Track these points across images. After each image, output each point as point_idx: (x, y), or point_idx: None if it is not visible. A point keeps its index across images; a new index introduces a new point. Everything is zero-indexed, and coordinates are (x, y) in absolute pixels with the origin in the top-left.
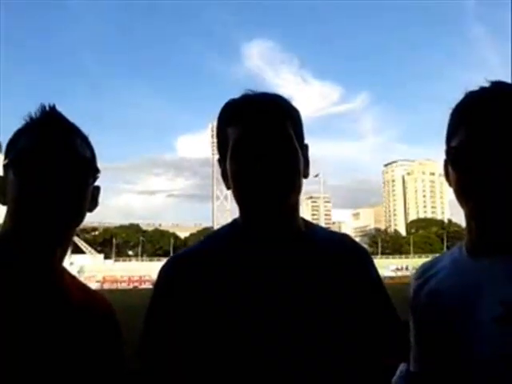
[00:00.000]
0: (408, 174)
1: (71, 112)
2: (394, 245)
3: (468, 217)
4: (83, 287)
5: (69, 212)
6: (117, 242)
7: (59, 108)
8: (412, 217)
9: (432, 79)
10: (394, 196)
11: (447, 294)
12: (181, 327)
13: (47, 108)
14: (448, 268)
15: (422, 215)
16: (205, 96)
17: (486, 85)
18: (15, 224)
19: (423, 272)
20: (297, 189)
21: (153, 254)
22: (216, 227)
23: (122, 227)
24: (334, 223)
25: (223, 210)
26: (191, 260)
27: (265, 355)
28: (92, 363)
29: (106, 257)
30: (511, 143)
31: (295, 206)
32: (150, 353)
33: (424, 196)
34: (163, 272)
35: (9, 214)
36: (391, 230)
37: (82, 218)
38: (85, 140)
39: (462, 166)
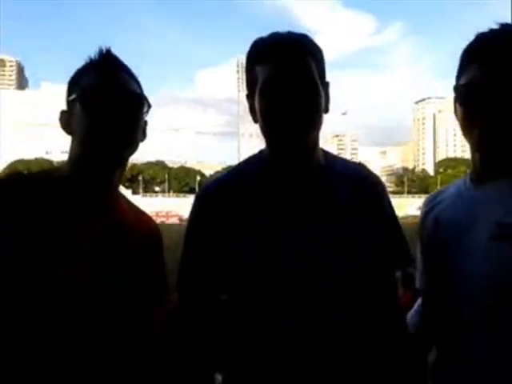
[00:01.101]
0: (439, 111)
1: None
2: (420, 184)
3: (472, 150)
4: (135, 208)
5: (125, 141)
6: (144, 179)
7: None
8: (441, 156)
9: (472, 10)
10: (423, 134)
11: (449, 220)
12: (215, 253)
13: (104, 51)
14: (452, 197)
15: (451, 155)
16: (229, 30)
17: (496, 27)
18: (82, 150)
19: (430, 201)
20: (317, 125)
21: (179, 191)
22: None
23: (148, 164)
24: (360, 162)
25: (248, 147)
26: (224, 189)
27: (285, 279)
28: (140, 272)
29: (134, 192)
30: None
31: (315, 141)
32: (189, 279)
33: (455, 135)
34: (197, 199)
35: (75, 142)
36: (419, 169)
37: (135, 147)
38: (135, 79)
39: (468, 102)
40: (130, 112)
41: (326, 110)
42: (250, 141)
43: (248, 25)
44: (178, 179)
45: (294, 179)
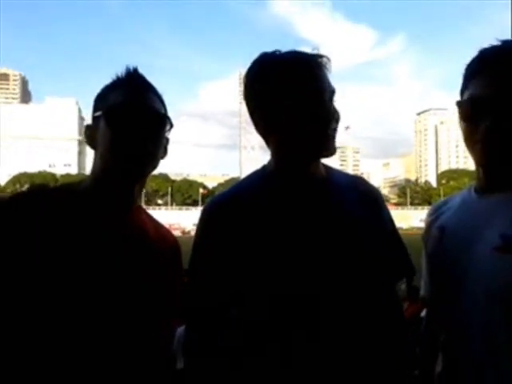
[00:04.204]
0: (441, 122)
1: (96, 57)
2: (423, 196)
3: (476, 163)
4: (154, 221)
5: (147, 160)
6: (146, 191)
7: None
8: (443, 167)
9: (473, 22)
10: (425, 146)
11: (453, 229)
12: (224, 266)
13: (131, 70)
14: (457, 206)
15: (453, 166)
16: (231, 43)
17: (498, 43)
18: (104, 165)
19: (435, 210)
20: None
21: (182, 203)
22: (243, 177)
23: (151, 176)
24: (362, 173)
25: (250, 159)
26: (231, 202)
27: (297, 283)
28: (161, 283)
29: None
30: None
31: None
32: (198, 289)
33: (457, 146)
34: (206, 213)
35: (99, 156)
36: (421, 180)
37: (157, 164)
38: (160, 98)
39: (470, 118)
40: (153, 131)
41: (337, 119)
42: (252, 153)
43: (249, 38)
44: (181, 192)
45: (299, 192)
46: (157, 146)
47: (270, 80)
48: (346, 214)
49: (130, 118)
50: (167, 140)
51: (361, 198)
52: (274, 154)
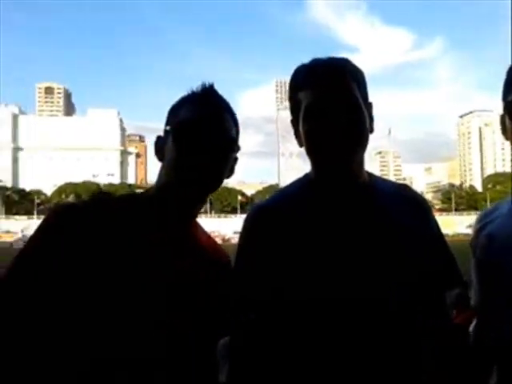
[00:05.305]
0: (486, 125)
1: (135, 68)
2: (469, 201)
3: None
4: (209, 236)
5: (212, 180)
6: None
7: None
8: (489, 171)
9: None
10: (469, 149)
11: (502, 238)
12: (268, 273)
13: (207, 86)
14: (505, 214)
15: (499, 169)
16: (268, 51)
17: None
18: (169, 179)
19: (482, 218)
20: (363, 146)
21: (221, 211)
22: (282, 184)
23: None
24: (404, 179)
25: (289, 166)
26: (273, 210)
27: (336, 298)
28: (214, 301)
29: None
30: None
31: (361, 161)
32: (241, 295)
33: (503, 149)
34: (248, 222)
35: (164, 171)
36: (466, 185)
37: (220, 184)
38: (234, 118)
39: None
40: (220, 153)
41: (371, 130)
42: (290, 160)
43: (288, 44)
44: (220, 199)
45: (342, 201)
46: (223, 169)
47: (294, 90)
48: (390, 222)
49: (197, 137)
50: (236, 160)
51: (406, 206)
52: (313, 162)
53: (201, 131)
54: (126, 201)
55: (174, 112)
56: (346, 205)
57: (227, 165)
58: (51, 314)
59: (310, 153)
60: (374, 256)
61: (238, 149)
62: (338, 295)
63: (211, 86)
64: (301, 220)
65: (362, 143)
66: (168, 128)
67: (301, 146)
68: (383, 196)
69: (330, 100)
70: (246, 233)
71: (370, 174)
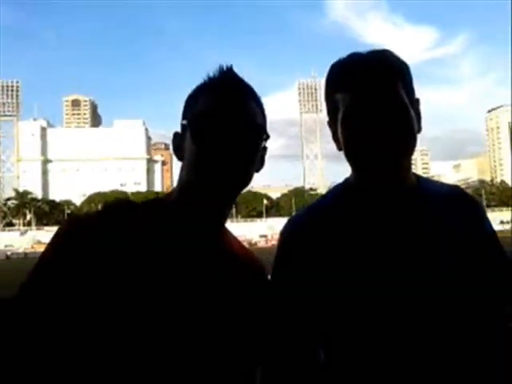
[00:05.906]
0: None
1: (157, 75)
2: (500, 197)
3: None
4: (241, 243)
5: (239, 176)
6: None
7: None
8: None
9: None
10: (499, 144)
11: None
12: (311, 288)
13: (225, 69)
14: None
15: None
16: (290, 54)
17: None
18: (191, 181)
19: None
20: (410, 150)
21: (247, 215)
22: (307, 187)
23: None
24: (433, 177)
25: (313, 169)
26: (311, 220)
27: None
28: (246, 310)
29: None
30: None
31: (409, 165)
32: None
33: None
34: (286, 231)
35: (185, 171)
36: (497, 181)
37: (249, 180)
38: (258, 103)
39: None
40: (247, 144)
41: (419, 130)
42: (315, 162)
43: (309, 44)
44: (246, 203)
45: (389, 208)
46: (251, 161)
47: (332, 89)
48: (444, 229)
49: (218, 128)
50: (265, 149)
51: (459, 210)
52: (355, 168)
53: (222, 121)
54: (150, 205)
55: (191, 103)
56: (393, 212)
57: (255, 157)
58: (69, 321)
59: (351, 158)
60: (428, 266)
61: (267, 137)
62: (399, 312)
63: (230, 69)
64: (346, 232)
65: (410, 147)
66: (185, 122)
67: (339, 149)
68: (434, 200)
69: (372, 102)
70: (283, 244)
71: (418, 177)
